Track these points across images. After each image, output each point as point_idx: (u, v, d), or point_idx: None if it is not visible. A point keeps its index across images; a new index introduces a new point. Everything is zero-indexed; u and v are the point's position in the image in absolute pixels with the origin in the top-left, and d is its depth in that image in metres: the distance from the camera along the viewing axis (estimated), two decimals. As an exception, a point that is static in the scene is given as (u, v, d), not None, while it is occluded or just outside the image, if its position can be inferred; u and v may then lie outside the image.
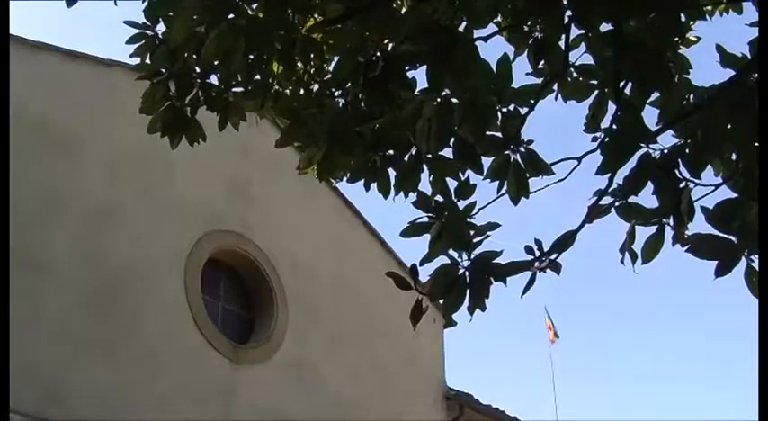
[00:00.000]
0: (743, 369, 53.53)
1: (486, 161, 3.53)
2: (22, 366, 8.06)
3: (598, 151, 3.52)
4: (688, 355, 54.72)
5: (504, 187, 3.52)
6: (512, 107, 3.52)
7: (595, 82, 3.74)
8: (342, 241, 13.99)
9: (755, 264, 3.56)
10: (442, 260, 3.42)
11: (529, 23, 3.63)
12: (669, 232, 3.54)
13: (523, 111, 3.52)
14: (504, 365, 55.45)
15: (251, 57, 3.72)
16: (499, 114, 3.48)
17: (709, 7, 3.84)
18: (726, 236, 3.39)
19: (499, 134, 3.49)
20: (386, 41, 3.46)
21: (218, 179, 12.02)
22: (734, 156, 3.59)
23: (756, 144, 3.34)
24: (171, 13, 3.75)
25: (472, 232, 3.44)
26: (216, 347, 11.02)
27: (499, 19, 3.57)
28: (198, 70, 4.05)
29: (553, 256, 3.42)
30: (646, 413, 53.55)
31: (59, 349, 9.20)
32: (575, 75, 3.77)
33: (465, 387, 15.48)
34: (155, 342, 10.31)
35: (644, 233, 3.53)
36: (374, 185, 3.65)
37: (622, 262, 3.41)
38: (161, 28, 3.98)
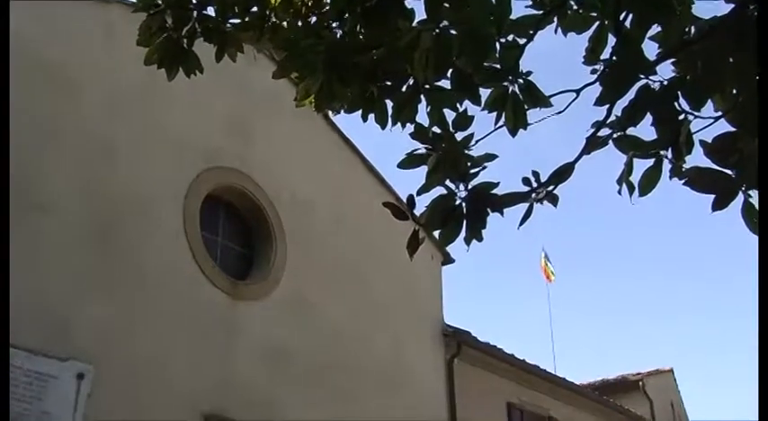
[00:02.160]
0: (736, 301, 53.84)
1: (485, 93, 3.50)
2: (23, 303, 8.12)
3: (597, 84, 3.50)
4: (682, 290, 55.09)
5: (503, 119, 3.50)
6: (510, 38, 3.49)
7: (595, 14, 3.70)
8: (340, 177, 14.01)
9: (753, 200, 3.56)
10: (440, 191, 3.42)
11: (528, -46, 3.59)
12: (667, 166, 3.53)
13: (522, 41, 3.48)
14: (502, 303, 55.91)
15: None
16: (498, 45, 3.45)
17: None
18: (724, 170, 3.38)
19: (497, 65, 3.46)
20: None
21: (216, 116, 11.98)
22: (734, 91, 3.56)
23: (757, 78, 3.31)
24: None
25: (469, 164, 3.43)
26: (215, 283, 11.09)
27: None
28: (195, 1, 4.01)
29: (550, 188, 3.42)
30: (642, 347, 54.11)
31: (60, 286, 9.24)
32: (574, 7, 3.73)
33: (463, 325, 15.64)
34: (154, 278, 10.37)
35: (642, 166, 3.52)
36: (371, 117, 3.63)
37: (620, 192, 3.41)
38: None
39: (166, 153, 11.04)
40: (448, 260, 16.03)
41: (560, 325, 40.21)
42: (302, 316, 12.30)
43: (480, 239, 3.37)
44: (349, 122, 22.61)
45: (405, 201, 3.48)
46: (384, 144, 14.48)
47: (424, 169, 3.55)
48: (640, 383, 25.57)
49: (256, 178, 12.24)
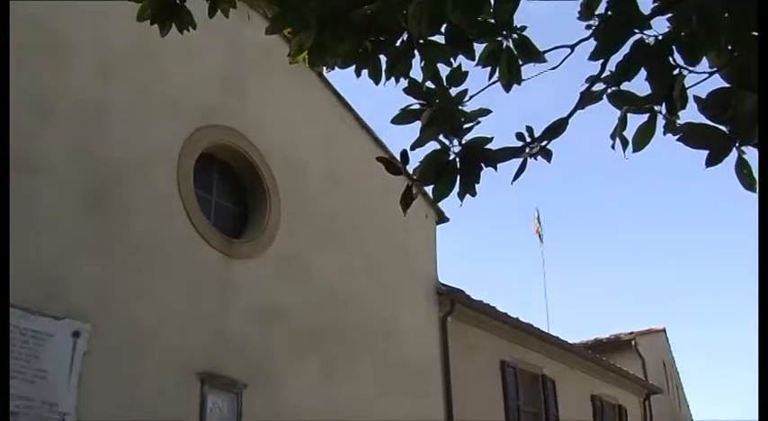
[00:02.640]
0: (730, 261, 54.10)
1: (479, 48, 3.48)
2: (18, 264, 8.13)
3: (592, 40, 3.48)
4: (677, 251, 55.34)
5: (497, 74, 3.48)
6: (505, -9, 3.45)
7: (589, -31, 3.67)
8: (334, 135, 13.99)
9: (746, 156, 3.56)
10: (433, 147, 3.41)
11: None
12: (661, 122, 3.53)
13: (517, -5, 3.45)
14: (496, 263, 56.13)
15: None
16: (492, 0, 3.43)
17: None
18: (718, 126, 3.38)
19: (492, 20, 3.43)
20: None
21: (209, 75, 11.91)
22: (729, 47, 3.54)
23: (754, 34, 3.29)
24: None
25: (463, 119, 3.41)
26: (209, 242, 11.10)
27: None
28: (186, -43, 3.97)
29: (544, 143, 3.41)
30: (634, 307, 54.45)
31: (55, 245, 9.24)
32: (569, -39, 3.69)
33: (457, 284, 15.71)
34: (149, 237, 10.37)
35: (636, 122, 3.51)
36: (365, 73, 3.61)
37: (613, 147, 3.40)
38: None
39: (159, 112, 10.99)
40: (442, 219, 16.07)
41: (554, 284, 40.47)
42: (296, 274, 12.35)
43: (474, 194, 3.37)
44: (343, 80, 22.47)
45: (398, 156, 3.48)
46: (378, 103, 14.46)
47: (417, 126, 3.54)
48: (633, 342, 25.79)
49: (250, 136, 12.21)
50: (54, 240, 9.26)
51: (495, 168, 3.37)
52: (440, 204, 15.84)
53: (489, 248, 57.77)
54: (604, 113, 3.66)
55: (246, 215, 12.30)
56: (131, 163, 10.40)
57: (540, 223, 26.07)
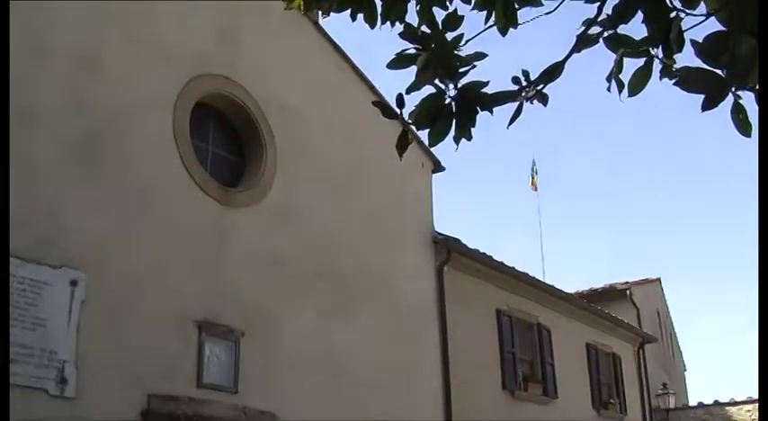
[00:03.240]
0: (726, 213, 54.21)
1: (474, -9, 3.46)
2: (15, 213, 8.14)
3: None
4: (673, 201, 55.47)
5: (493, 18, 3.46)
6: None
7: None
8: (330, 84, 13.92)
9: (743, 101, 3.55)
10: (429, 91, 3.40)
11: None
12: (657, 66, 3.51)
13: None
14: (493, 212, 56.23)
15: None
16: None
17: None
18: (714, 69, 3.37)
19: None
20: None
21: (204, 24, 11.81)
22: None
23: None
24: None
25: (459, 63, 3.39)
26: (206, 191, 11.10)
27: None
28: None
29: (540, 87, 3.40)
30: (630, 258, 54.70)
31: (51, 195, 9.24)
32: None
33: (453, 233, 15.76)
34: (145, 186, 10.37)
35: (632, 66, 3.49)
36: (360, 17, 3.58)
37: (609, 90, 3.39)
38: None
39: (155, 61, 10.93)
40: (438, 168, 16.07)
41: (550, 234, 40.52)
42: (293, 222, 12.37)
43: (469, 138, 3.37)
44: (338, 30, 22.28)
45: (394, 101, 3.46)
46: (374, 53, 14.37)
47: (413, 72, 3.52)
48: (628, 292, 25.92)
49: (246, 85, 12.15)
50: (50, 190, 9.25)
51: (491, 112, 3.36)
52: (436, 154, 15.86)
53: (485, 198, 57.84)
54: (601, 58, 3.65)
55: (243, 164, 12.28)
56: (127, 112, 10.36)
57: (536, 173, 26.14)
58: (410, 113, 3.36)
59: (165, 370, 9.97)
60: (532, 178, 25.81)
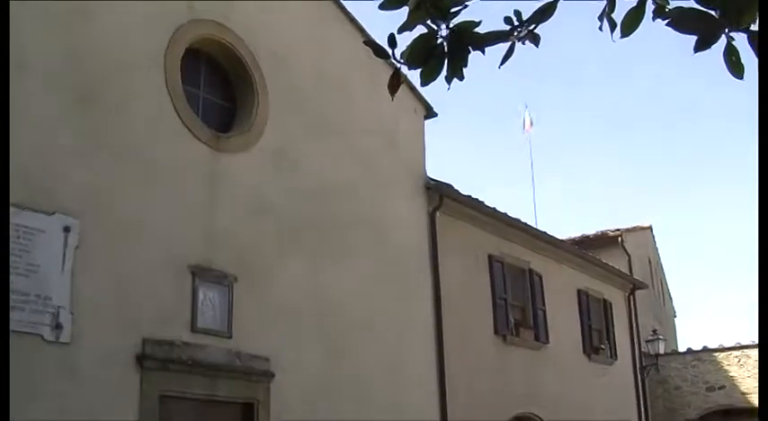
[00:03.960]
0: (718, 161, 54.36)
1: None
2: (10, 162, 8.13)
3: None
4: (665, 148, 55.49)
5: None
6: None
7: None
8: (322, 30, 13.81)
9: (735, 43, 3.54)
10: (421, 31, 3.38)
11: None
12: (650, 6, 3.50)
13: None
14: (485, 159, 56.21)
15: None
16: None
17: None
18: (707, 10, 3.36)
19: None
20: None
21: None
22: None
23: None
24: None
25: (451, 3, 3.37)
26: (198, 136, 11.07)
27: None
28: None
29: (532, 27, 3.39)
30: (622, 205, 54.90)
31: (44, 144, 9.20)
32: None
33: (446, 180, 15.77)
34: (137, 134, 10.33)
35: (626, 7, 3.48)
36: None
37: (600, 29, 3.38)
38: None
39: (145, 6, 10.81)
40: (430, 114, 16.03)
41: (542, 181, 40.57)
42: (285, 168, 12.37)
43: (461, 78, 3.37)
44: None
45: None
46: (367, 2, 14.24)
47: (405, 13, 3.50)
48: (619, 239, 26.06)
49: (237, 30, 12.05)
50: (44, 137, 9.22)
51: (483, 52, 3.36)
52: (428, 100, 15.80)
53: (478, 145, 57.79)
54: (595, 2, 3.63)
55: (234, 109, 12.24)
56: (119, 58, 10.28)
57: (530, 119, 26.18)
58: (402, 53, 3.36)
59: (160, 314, 10.04)
60: (525, 121, 25.86)
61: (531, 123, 25.99)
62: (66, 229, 9.18)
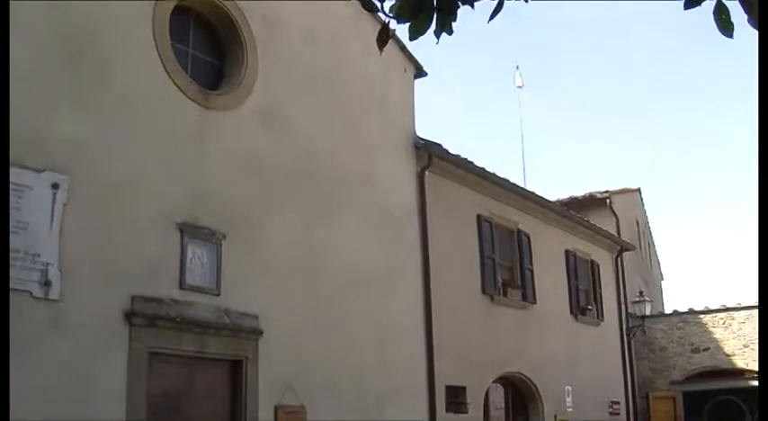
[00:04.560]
0: (707, 126, 54.44)
1: None
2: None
3: None
4: (655, 112, 55.55)
5: None
6: None
7: None
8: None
9: (726, 1, 3.55)
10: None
11: None
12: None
13: None
14: (475, 120, 56.13)
15: None
16: None
17: None
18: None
19: None
20: None
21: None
22: None
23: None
24: None
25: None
26: (186, 94, 11.02)
27: None
28: None
29: (522, -19, 3.38)
30: (611, 168, 55.03)
31: (33, 100, 9.12)
32: None
33: (435, 139, 15.76)
34: (126, 90, 10.27)
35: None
36: None
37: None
38: None
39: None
40: (420, 73, 15.98)
41: (532, 143, 40.48)
42: (275, 126, 12.34)
43: (450, 32, 3.37)
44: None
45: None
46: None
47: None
48: (608, 201, 26.13)
49: (227, -11, 11.94)
50: (32, 94, 9.15)
51: (472, 6, 3.35)
52: (418, 59, 15.73)
53: (468, 106, 57.69)
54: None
55: (223, 67, 12.17)
56: (106, 13, 10.18)
57: (521, 78, 26.18)
58: (391, 7, 3.35)
59: (148, 272, 10.05)
60: (516, 78, 25.89)
61: (522, 82, 25.96)
62: (55, 186, 9.15)
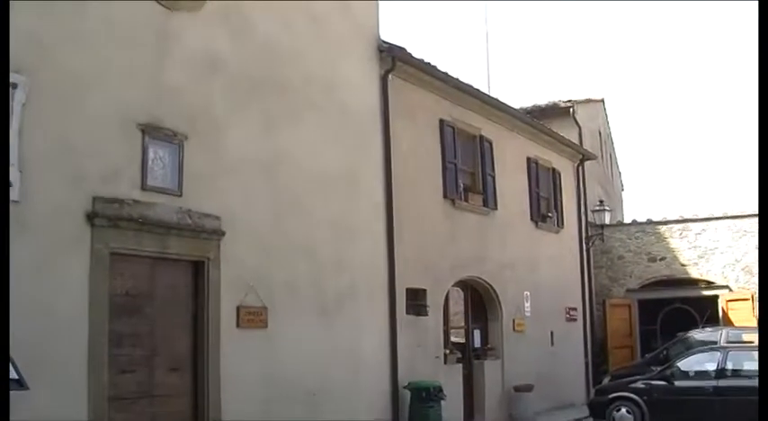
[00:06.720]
0: (673, 33, 54.01)
1: None
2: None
3: None
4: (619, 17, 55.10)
5: None
6: None
7: None
8: None
9: None
10: None
11: None
12: None
13: None
14: (440, 26, 55.59)
15: None
16: None
17: None
18: None
19: None
20: None
21: None
22: None
23: None
24: None
25: None
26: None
27: None
28: None
29: None
30: (575, 78, 54.97)
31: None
32: None
33: (400, 44, 15.62)
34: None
35: None
36: None
37: None
38: None
39: None
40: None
41: (497, 52, 40.18)
42: (237, 26, 12.14)
43: None
44: None
45: None
46: None
47: None
48: (571, 110, 26.25)
49: None
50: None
51: None
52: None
53: (434, 11, 57.02)
54: None
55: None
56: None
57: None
58: None
59: (110, 172, 9.98)
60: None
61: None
62: (14, 86, 8.97)
